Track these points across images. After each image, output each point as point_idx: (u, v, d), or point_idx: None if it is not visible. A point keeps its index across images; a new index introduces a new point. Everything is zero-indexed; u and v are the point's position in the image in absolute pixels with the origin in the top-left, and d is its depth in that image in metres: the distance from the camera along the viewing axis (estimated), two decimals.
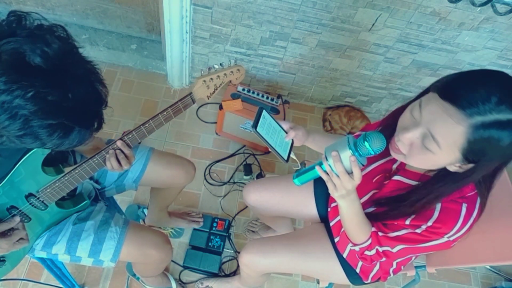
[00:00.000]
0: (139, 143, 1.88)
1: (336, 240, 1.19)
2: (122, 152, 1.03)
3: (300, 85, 2.19)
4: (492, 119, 0.69)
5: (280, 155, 1.01)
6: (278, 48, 1.93)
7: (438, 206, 0.87)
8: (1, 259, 1.05)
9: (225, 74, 1.07)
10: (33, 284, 1.61)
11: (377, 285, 1.79)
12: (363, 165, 0.83)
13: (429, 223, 0.87)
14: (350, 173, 0.83)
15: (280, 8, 1.70)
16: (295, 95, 2.29)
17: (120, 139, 1.01)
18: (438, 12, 1.61)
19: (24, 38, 0.68)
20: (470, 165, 0.77)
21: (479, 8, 1.54)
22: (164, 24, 1.82)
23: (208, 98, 1.08)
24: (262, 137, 0.97)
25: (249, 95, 1.94)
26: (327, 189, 1.27)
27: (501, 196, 1.10)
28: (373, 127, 1.14)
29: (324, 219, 1.31)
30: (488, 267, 1.99)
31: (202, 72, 1.05)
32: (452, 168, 0.80)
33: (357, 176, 0.83)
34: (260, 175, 2.05)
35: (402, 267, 1.20)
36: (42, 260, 1.31)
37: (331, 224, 1.22)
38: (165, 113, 1.02)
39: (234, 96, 1.91)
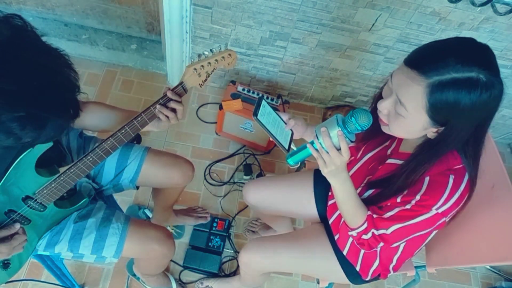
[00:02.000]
0: (135, 139, 1.89)
1: (336, 237, 1.20)
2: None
3: (300, 85, 2.19)
4: (449, 77, 0.73)
5: (281, 144, 1.01)
6: (278, 48, 1.93)
7: (426, 180, 0.90)
8: (6, 262, 1.04)
9: (216, 61, 1.02)
10: (33, 284, 1.62)
11: (377, 284, 1.80)
12: (351, 141, 0.88)
13: (417, 197, 0.89)
14: (339, 149, 0.87)
15: (280, 8, 1.70)
16: (295, 95, 2.29)
17: (107, 138, 1.00)
18: (438, 12, 1.61)
19: None
20: (443, 129, 0.81)
21: (479, 8, 1.54)
22: (164, 24, 1.82)
23: (201, 86, 1.05)
24: (263, 125, 0.98)
25: (249, 95, 1.94)
26: (327, 188, 1.28)
27: (501, 196, 1.10)
28: None
29: (324, 219, 1.31)
30: (488, 267, 1.99)
31: (192, 60, 1.01)
32: (430, 134, 0.85)
33: (345, 150, 0.86)
34: (260, 175, 2.05)
35: (402, 264, 1.20)
36: (42, 260, 1.31)
37: (330, 221, 1.22)
38: (157, 105, 1.01)
39: (234, 96, 1.91)
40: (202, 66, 1.01)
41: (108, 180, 1.29)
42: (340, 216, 1.18)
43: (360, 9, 1.66)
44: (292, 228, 1.73)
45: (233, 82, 1.98)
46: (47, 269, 1.39)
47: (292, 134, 1.08)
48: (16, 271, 1.11)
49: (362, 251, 1.15)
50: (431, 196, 0.88)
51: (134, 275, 1.65)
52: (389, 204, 0.97)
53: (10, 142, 0.74)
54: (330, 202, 1.24)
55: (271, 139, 1.02)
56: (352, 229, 1.02)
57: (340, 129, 0.85)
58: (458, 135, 0.81)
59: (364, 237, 1.01)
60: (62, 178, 1.00)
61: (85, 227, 1.16)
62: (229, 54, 1.04)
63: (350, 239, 1.14)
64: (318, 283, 1.35)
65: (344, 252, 1.18)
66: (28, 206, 1.02)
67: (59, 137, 0.79)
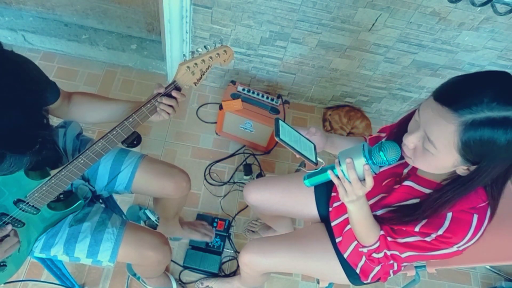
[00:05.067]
0: (135, 140, 1.89)
1: (338, 240, 1.19)
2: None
3: (300, 85, 2.19)
4: (483, 116, 0.69)
5: (307, 158, 1.00)
6: (278, 48, 1.93)
7: (449, 216, 0.87)
8: (2, 263, 1.04)
9: (210, 58, 0.98)
10: (33, 284, 1.62)
11: (377, 285, 1.79)
12: (375, 173, 0.84)
13: (440, 232, 0.87)
14: (362, 180, 0.84)
15: (280, 8, 1.70)
16: (295, 95, 2.29)
17: (102, 138, 0.98)
18: (438, 12, 1.61)
19: None
20: (475, 167, 0.77)
21: (479, 8, 1.54)
22: (164, 24, 1.82)
23: (196, 85, 1.01)
24: (288, 144, 0.97)
25: (249, 95, 1.94)
26: (327, 189, 1.27)
27: (501, 197, 1.10)
28: (388, 129, 1.13)
29: (325, 219, 1.31)
30: (488, 267, 1.99)
31: (185, 58, 0.97)
32: (459, 171, 0.80)
33: (369, 184, 0.83)
34: (260, 175, 2.05)
35: (402, 268, 1.20)
36: (42, 260, 1.31)
37: (333, 224, 1.22)
38: (148, 105, 0.98)
39: (234, 96, 1.91)
40: (196, 64, 0.97)
41: (102, 186, 1.28)
42: (345, 221, 1.17)
43: (360, 9, 1.65)
44: (292, 228, 1.73)
45: (233, 82, 1.98)
46: (47, 269, 1.38)
47: (315, 146, 1.08)
48: (12, 273, 1.11)
49: (364, 258, 1.14)
50: (454, 234, 0.86)
51: (134, 275, 1.65)
52: (404, 229, 0.95)
53: None
54: (334, 205, 1.24)
55: (297, 156, 1.00)
56: (363, 247, 1.02)
57: (366, 161, 0.81)
58: (490, 173, 0.77)
59: (375, 255, 1.01)
60: (53, 181, 0.97)
61: (80, 231, 1.15)
62: (225, 51, 1.00)
63: (353, 245, 1.13)
64: (318, 283, 1.35)
65: (345, 255, 1.17)
66: (20, 209, 1.00)
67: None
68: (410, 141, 0.80)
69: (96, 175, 1.26)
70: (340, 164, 0.85)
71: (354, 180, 0.83)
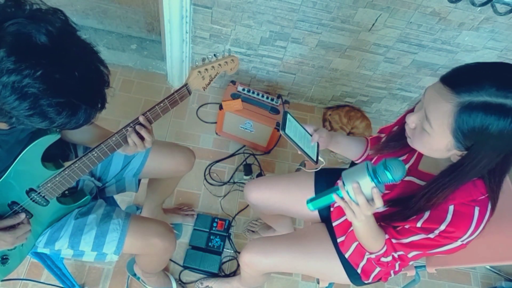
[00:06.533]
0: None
1: (339, 240, 1.19)
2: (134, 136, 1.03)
3: (300, 85, 2.19)
4: (480, 100, 0.70)
5: (309, 156, 1.00)
6: (278, 48, 1.93)
7: (451, 209, 0.87)
8: (4, 257, 1.05)
9: (219, 65, 1.06)
10: (33, 284, 1.61)
11: (377, 285, 1.79)
12: (382, 193, 0.82)
13: (442, 227, 0.87)
14: (369, 200, 0.83)
15: (280, 8, 1.70)
16: (295, 95, 2.29)
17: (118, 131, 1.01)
18: (438, 12, 1.62)
19: (27, 20, 0.69)
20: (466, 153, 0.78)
21: (479, 8, 1.54)
22: (164, 24, 1.82)
23: (204, 90, 1.08)
24: (291, 139, 0.97)
25: (249, 95, 1.94)
26: (328, 188, 1.27)
27: (501, 197, 1.10)
28: (388, 129, 1.13)
29: (325, 218, 1.31)
30: (488, 267, 1.99)
31: (197, 63, 1.04)
32: (454, 158, 0.81)
33: (378, 205, 0.83)
34: (260, 175, 2.05)
35: (403, 268, 1.20)
36: (42, 260, 1.31)
37: (334, 224, 1.22)
38: (161, 104, 1.02)
39: (234, 96, 1.91)
40: (206, 69, 1.04)
41: (114, 173, 1.30)
42: (347, 221, 1.17)
43: (360, 9, 1.66)
44: (292, 228, 1.73)
45: (233, 82, 1.98)
46: (47, 269, 1.38)
47: (318, 145, 1.07)
48: (14, 267, 1.11)
49: (366, 257, 1.14)
50: (457, 228, 0.85)
51: (134, 275, 1.65)
52: (407, 226, 0.94)
53: (43, 125, 0.78)
54: (336, 205, 1.24)
55: (299, 152, 1.00)
56: (371, 253, 1.02)
57: (371, 179, 0.80)
58: (480, 161, 0.77)
59: (383, 259, 1.01)
60: (66, 172, 1.00)
61: (86, 223, 1.16)
62: (232, 60, 1.07)
63: (355, 244, 1.13)
64: (318, 283, 1.35)
65: (347, 255, 1.17)
66: (31, 199, 1.02)
67: (84, 125, 0.85)
68: (411, 120, 0.82)
69: (111, 162, 1.29)
70: (344, 185, 0.83)
71: (363, 204, 0.82)
